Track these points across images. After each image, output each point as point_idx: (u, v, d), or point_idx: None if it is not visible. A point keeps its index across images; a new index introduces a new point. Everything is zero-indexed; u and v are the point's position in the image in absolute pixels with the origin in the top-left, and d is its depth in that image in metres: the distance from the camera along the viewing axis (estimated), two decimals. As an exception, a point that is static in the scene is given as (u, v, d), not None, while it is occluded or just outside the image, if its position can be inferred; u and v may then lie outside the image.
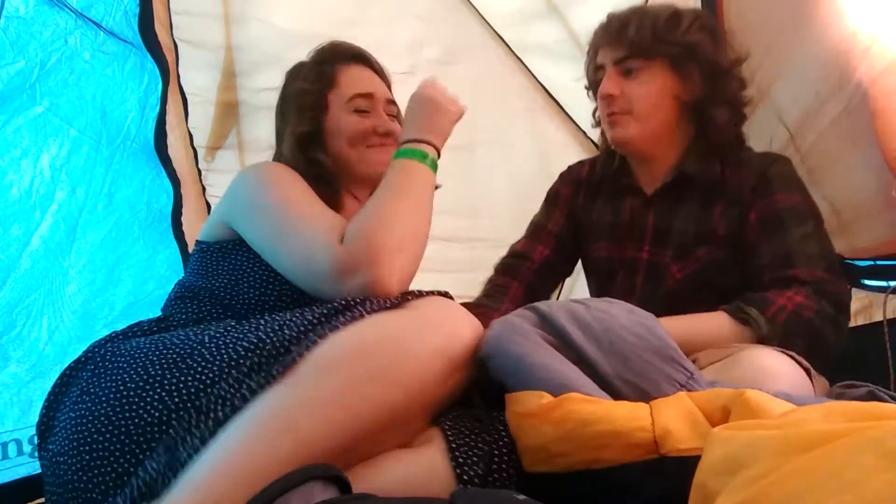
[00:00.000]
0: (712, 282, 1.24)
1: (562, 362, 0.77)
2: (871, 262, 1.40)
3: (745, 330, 1.07)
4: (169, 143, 1.68)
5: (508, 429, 0.77)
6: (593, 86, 1.36)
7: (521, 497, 0.59)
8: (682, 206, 1.28)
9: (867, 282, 1.43)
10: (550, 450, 0.70)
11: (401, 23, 2.02)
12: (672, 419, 0.66)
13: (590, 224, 1.43)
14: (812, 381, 0.98)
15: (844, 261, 1.43)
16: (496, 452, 0.77)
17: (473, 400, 0.86)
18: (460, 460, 0.75)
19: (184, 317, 0.99)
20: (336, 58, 1.22)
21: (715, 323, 1.09)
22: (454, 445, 0.77)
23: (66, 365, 0.91)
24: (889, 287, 1.33)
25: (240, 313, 0.97)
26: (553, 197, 1.51)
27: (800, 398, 0.81)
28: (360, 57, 1.24)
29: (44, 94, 1.40)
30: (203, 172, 1.88)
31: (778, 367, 0.94)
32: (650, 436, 0.65)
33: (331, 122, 1.18)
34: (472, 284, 1.58)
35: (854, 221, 1.40)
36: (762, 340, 1.06)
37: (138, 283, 1.62)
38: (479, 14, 2.21)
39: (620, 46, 1.25)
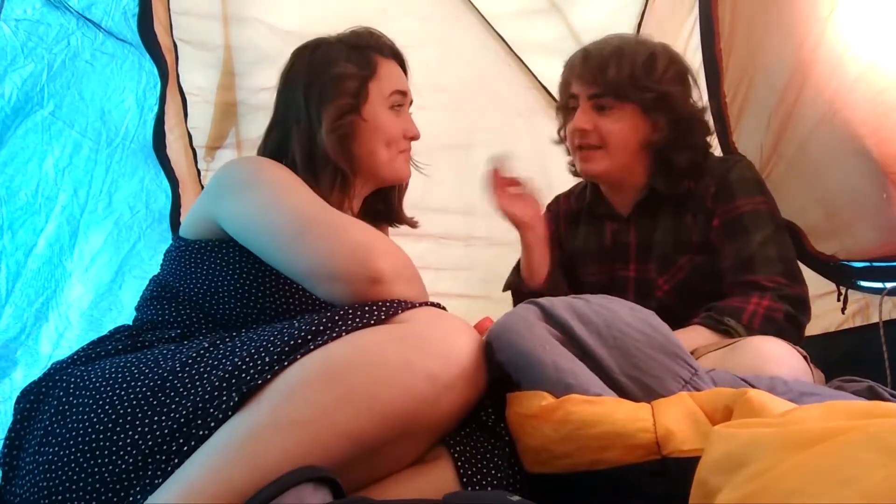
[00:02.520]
0: (698, 287, 1.30)
1: (570, 360, 0.76)
2: (867, 264, 1.41)
3: (725, 339, 1.12)
4: (168, 144, 1.67)
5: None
6: (564, 109, 1.43)
7: (515, 498, 0.59)
8: (659, 221, 1.36)
9: (863, 283, 1.44)
10: (552, 451, 0.70)
11: (400, 23, 2.02)
12: (674, 420, 0.66)
13: (575, 251, 1.51)
14: (811, 367, 1.01)
15: (840, 262, 1.44)
16: (510, 472, 0.76)
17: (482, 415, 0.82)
18: (474, 484, 0.74)
19: (160, 321, 0.92)
20: (376, 47, 1.12)
21: (699, 337, 1.14)
22: (462, 470, 0.75)
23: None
24: (885, 289, 1.34)
25: (221, 321, 0.91)
26: None
27: (799, 384, 0.82)
28: (397, 54, 1.15)
29: (50, 97, 1.40)
30: (202, 173, 1.88)
31: (778, 353, 0.98)
32: (652, 437, 0.65)
33: (368, 115, 1.06)
34: (468, 282, 1.58)
35: (848, 224, 1.40)
36: None
37: (142, 284, 1.61)
38: (479, 13, 2.21)
39: (597, 83, 1.29)
